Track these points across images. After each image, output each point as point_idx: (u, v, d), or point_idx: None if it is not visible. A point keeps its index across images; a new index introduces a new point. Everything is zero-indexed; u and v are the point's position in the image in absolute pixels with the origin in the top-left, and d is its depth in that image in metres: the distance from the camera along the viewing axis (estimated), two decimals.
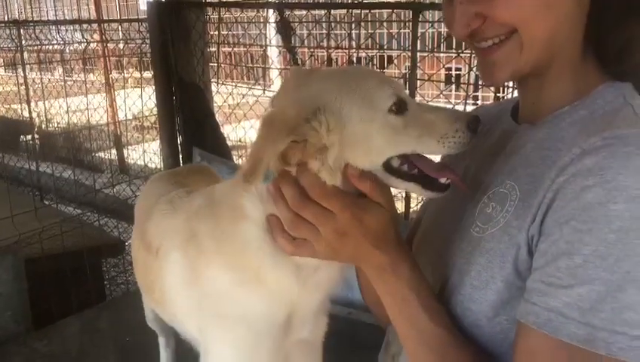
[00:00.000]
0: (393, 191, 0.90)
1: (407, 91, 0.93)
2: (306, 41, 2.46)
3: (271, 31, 3.27)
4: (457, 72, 4.47)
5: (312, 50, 2.76)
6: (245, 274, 0.93)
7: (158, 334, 1.78)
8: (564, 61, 0.82)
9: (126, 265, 3.27)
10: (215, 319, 1.00)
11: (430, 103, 0.91)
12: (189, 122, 2.91)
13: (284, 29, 2.48)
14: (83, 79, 5.47)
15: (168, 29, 2.76)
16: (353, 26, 2.21)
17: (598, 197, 0.65)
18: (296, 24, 2.49)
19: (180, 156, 3.00)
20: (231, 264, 0.94)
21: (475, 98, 4.37)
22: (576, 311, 0.65)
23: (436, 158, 0.92)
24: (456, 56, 2.40)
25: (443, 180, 0.85)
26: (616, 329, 0.63)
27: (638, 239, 0.63)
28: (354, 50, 2.32)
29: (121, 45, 5.73)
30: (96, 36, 5.53)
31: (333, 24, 2.20)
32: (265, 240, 0.88)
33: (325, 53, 2.63)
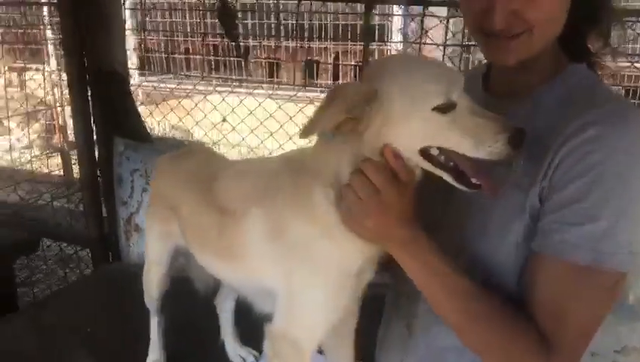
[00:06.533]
0: None
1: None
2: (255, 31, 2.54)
3: None
4: None
5: (259, 40, 2.89)
6: (321, 229, 1.06)
7: (152, 314, 1.84)
8: (545, 51, 1.02)
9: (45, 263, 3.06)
10: (302, 265, 1.11)
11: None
12: (106, 112, 2.85)
13: (227, 17, 2.52)
14: None
15: (83, 16, 2.68)
16: (305, 16, 2.35)
17: (601, 158, 0.88)
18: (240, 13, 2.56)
19: (96, 147, 2.93)
20: (309, 219, 1.07)
21: None
22: (587, 241, 0.89)
23: None
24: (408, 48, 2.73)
25: (474, 180, 0.94)
26: (616, 250, 0.88)
27: (630, 187, 0.88)
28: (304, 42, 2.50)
29: None
30: None
31: (282, 14, 2.36)
32: (332, 207, 1.03)
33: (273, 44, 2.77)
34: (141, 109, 3.10)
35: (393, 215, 0.97)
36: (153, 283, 1.73)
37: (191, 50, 6.18)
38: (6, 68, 6.23)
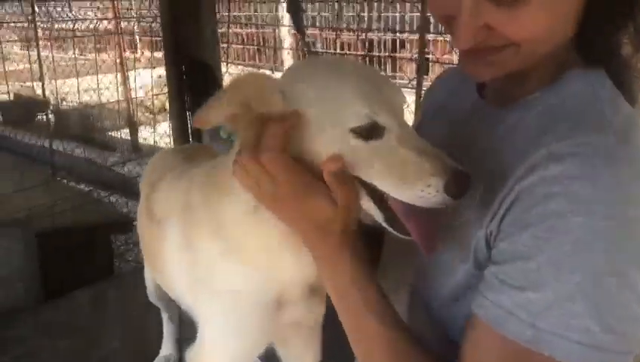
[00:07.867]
0: None
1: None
2: (317, 22, 2.47)
3: (282, 11, 3.28)
4: None
5: (321, 30, 2.78)
6: (232, 245, 0.91)
7: (161, 309, 1.82)
8: (549, 55, 0.75)
9: (135, 241, 3.33)
10: (206, 289, 0.99)
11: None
12: (198, 102, 2.93)
13: (295, 8, 2.48)
14: (95, 58, 5.56)
15: (178, 7, 2.77)
16: (366, 5, 2.21)
17: (560, 206, 0.64)
18: (306, 4, 2.50)
19: (190, 135, 3.03)
20: (219, 234, 0.92)
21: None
22: (525, 312, 0.65)
23: None
24: None
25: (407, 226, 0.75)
26: (562, 333, 0.63)
27: (591, 253, 0.63)
28: (362, 32, 2.32)
29: (132, 24, 5.80)
30: (110, 14, 5.59)
31: (343, 5, 2.21)
32: (251, 217, 0.86)
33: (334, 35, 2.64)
34: None
35: (312, 222, 0.78)
36: (148, 280, 1.73)
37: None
38: None
